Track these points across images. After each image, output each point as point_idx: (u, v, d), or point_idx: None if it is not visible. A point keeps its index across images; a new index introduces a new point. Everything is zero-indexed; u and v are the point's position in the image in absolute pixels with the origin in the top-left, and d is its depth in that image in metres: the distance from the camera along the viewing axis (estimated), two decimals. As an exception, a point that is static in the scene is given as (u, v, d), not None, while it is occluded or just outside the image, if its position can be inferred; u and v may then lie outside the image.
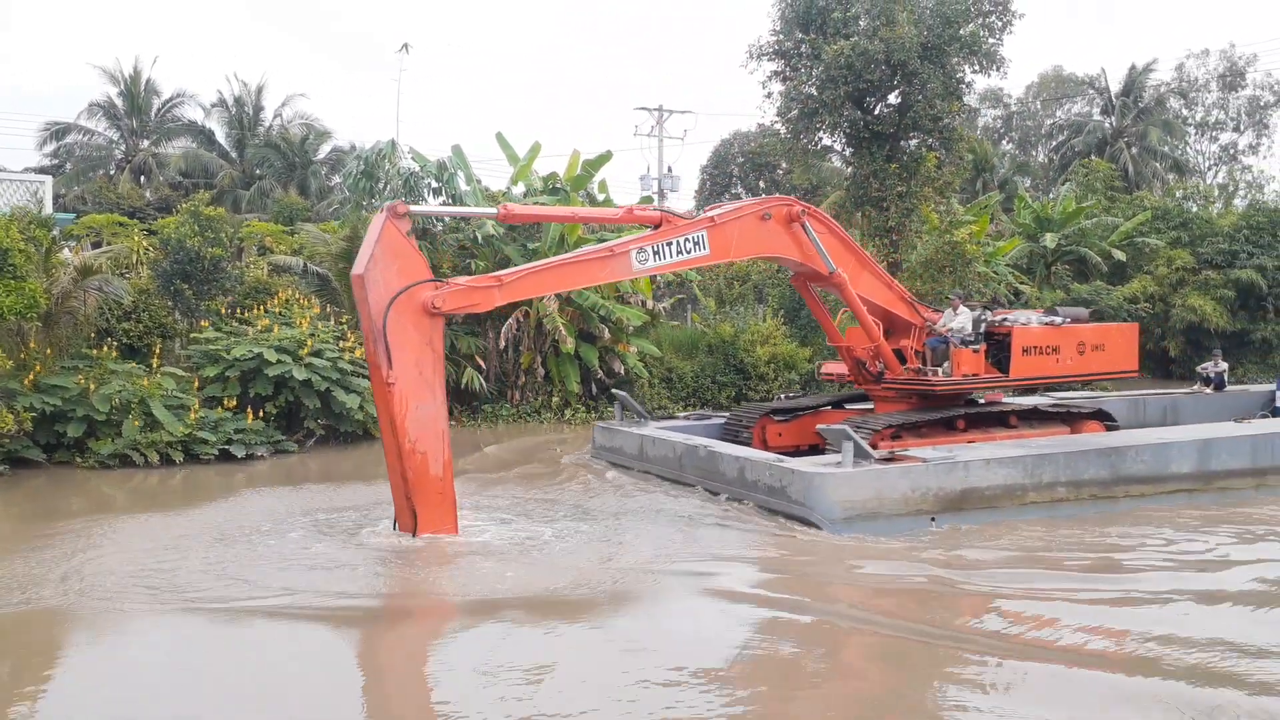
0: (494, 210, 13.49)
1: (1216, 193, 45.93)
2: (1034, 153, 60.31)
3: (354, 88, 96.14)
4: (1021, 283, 31.99)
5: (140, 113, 49.26)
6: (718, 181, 52.16)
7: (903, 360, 17.28)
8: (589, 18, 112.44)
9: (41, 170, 44.39)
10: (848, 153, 27.80)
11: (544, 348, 24.47)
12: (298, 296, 22.83)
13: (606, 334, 24.38)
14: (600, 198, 27.67)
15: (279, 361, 19.46)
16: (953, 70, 25.41)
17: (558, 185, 26.24)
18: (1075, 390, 23.01)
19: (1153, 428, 19.42)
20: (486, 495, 15.35)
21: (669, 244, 14.10)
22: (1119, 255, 33.12)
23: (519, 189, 27.00)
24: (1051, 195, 45.61)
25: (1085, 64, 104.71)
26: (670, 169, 44.82)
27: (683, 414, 21.12)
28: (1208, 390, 23.94)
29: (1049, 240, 32.95)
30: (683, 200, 63.54)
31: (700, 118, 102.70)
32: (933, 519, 13.57)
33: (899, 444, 15.76)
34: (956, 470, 13.92)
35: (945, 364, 16.85)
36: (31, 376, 17.70)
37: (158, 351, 19.97)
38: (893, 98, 25.92)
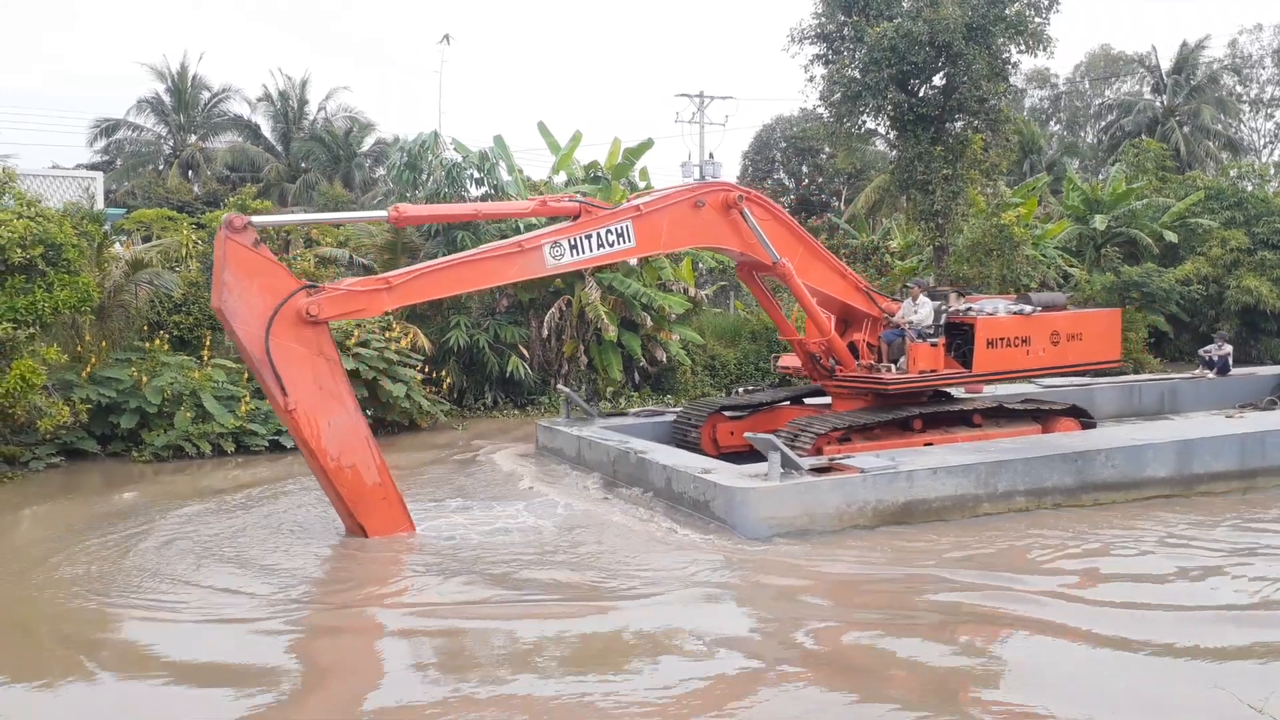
0: (383, 214, 12.36)
1: (1272, 171, 44.76)
2: (1082, 133, 59.21)
3: (393, 81, 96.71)
4: (1071, 266, 31.46)
5: (187, 109, 49.89)
6: (760, 167, 51.79)
7: (858, 355, 16.28)
8: (629, 3, 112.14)
9: (93, 166, 45.19)
10: (892, 136, 27.48)
11: (587, 336, 24.51)
12: (344, 288, 23.01)
13: (649, 322, 24.35)
14: (642, 185, 27.60)
15: (326, 352, 19.66)
16: (998, 51, 25.02)
17: (599, 174, 26.25)
18: (1068, 380, 21.43)
19: (1130, 424, 18.26)
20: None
21: (588, 236, 13.01)
22: (1171, 236, 32.43)
23: (560, 178, 27.05)
24: (1101, 176, 44.84)
25: (1135, 42, 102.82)
26: (712, 155, 44.33)
27: (633, 410, 19.84)
28: (1210, 374, 22.98)
29: (1099, 222, 32.34)
30: (724, 187, 63.24)
31: (742, 103, 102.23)
32: (872, 531, 12.39)
33: (846, 448, 14.69)
34: (898, 481, 12.71)
35: (902, 359, 15.76)
36: (88, 369, 18.06)
37: (208, 344, 20.28)
38: (937, 79, 25.57)
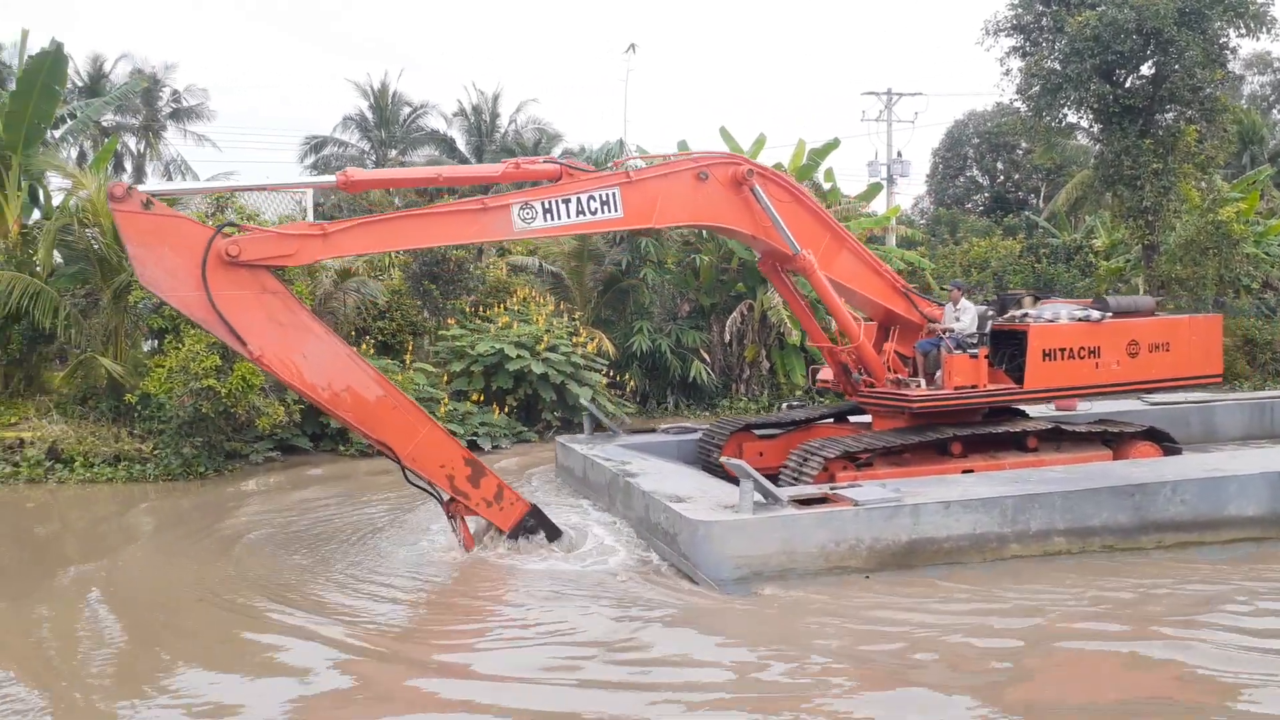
0: (330, 178, 11.28)
1: None
2: (1312, 120, 54.44)
3: (582, 89, 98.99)
4: (1299, 264, 28.99)
5: (388, 124, 52.72)
6: (951, 165, 50.21)
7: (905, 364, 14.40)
8: (813, 3, 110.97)
9: (305, 182, 48.33)
10: (1095, 129, 26.09)
11: (769, 340, 24.39)
12: (534, 294, 23.80)
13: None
14: (827, 187, 27.29)
15: (518, 356, 20.36)
16: (1214, 35, 23.39)
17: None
18: (1182, 395, 18.58)
19: (1219, 451, 15.15)
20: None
21: (565, 201, 11.56)
22: None
23: (745, 182, 26.98)
24: (1334, 166, 41.03)
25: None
26: (900, 154, 43.58)
27: (663, 427, 17.95)
28: None
29: (1331, 216, 29.69)
30: (914, 186, 61.59)
31: (931, 99, 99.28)
32: (867, 577, 10.46)
33: (866, 474, 12.88)
34: (900, 517, 10.67)
35: (940, 372, 13.74)
36: (301, 372, 19.33)
37: (409, 348, 21.35)
38: (1145, 69, 24.13)
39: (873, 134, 70.36)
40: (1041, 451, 13.92)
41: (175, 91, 43.37)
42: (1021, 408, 14.81)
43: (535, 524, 11.75)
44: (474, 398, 20.38)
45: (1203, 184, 25.92)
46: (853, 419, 15.89)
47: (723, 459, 11.64)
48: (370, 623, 9.46)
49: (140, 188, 10.15)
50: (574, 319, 23.22)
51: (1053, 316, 14.09)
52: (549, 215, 11.48)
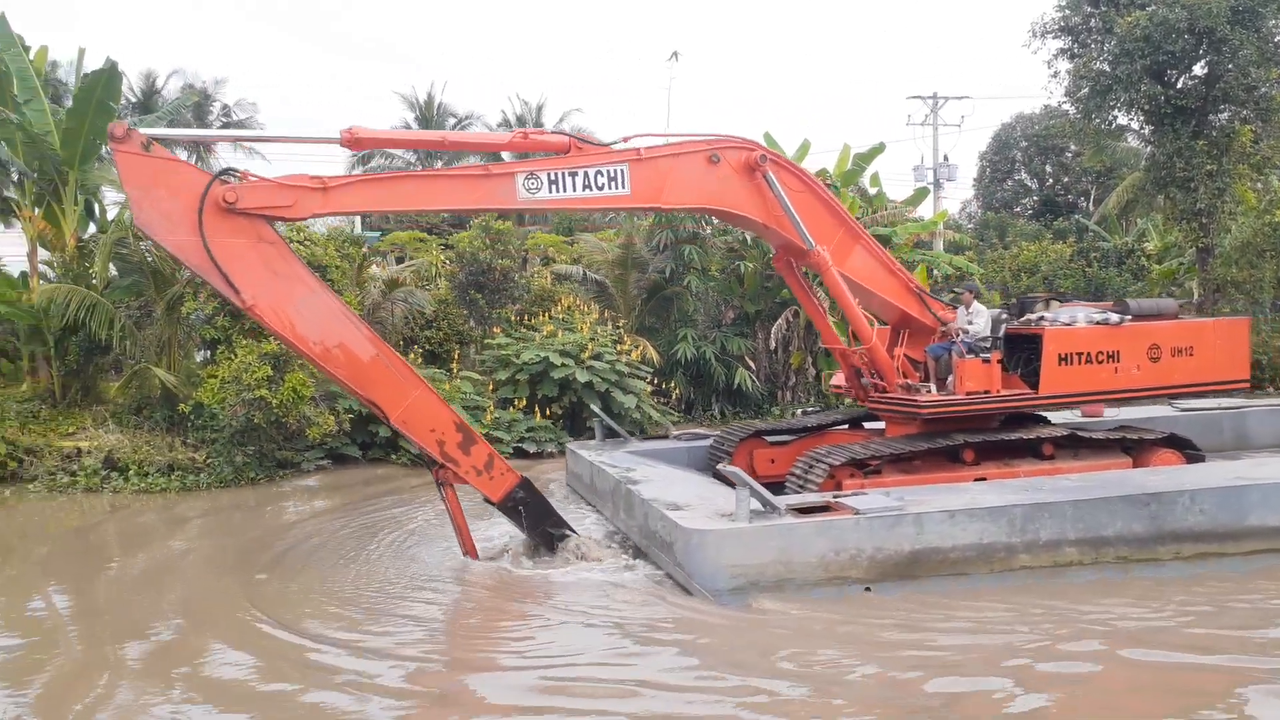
0: (335, 136, 11.02)
1: None
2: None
3: (624, 96, 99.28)
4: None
5: (432, 134, 53.26)
6: (999, 168, 49.64)
7: (916, 368, 13.98)
8: (856, 8, 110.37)
9: (353, 193, 48.97)
10: (1146, 131, 25.69)
11: (814, 347, 24.26)
12: (578, 303, 23.89)
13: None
14: (873, 192, 27.13)
15: (563, 365, 20.45)
16: (1270, 33, 22.96)
17: (827, 181, 25.93)
18: (1211, 403, 17.81)
19: (1243, 459, 14.48)
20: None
21: (572, 174, 11.31)
22: None
23: (789, 188, 26.90)
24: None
25: None
26: (946, 157, 43.27)
27: (675, 433, 17.42)
28: None
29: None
30: (961, 190, 61.01)
31: (978, 103, 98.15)
32: (868, 588, 10.16)
33: (874, 482, 12.55)
34: (903, 526, 10.33)
35: (951, 377, 13.34)
36: (349, 381, 19.59)
37: (456, 357, 21.54)
38: (1198, 69, 23.71)
39: (918, 138, 69.84)
40: (1058, 459, 13.54)
41: (225, 106, 44.22)
42: (1043, 413, 14.36)
43: (525, 497, 11.64)
44: (519, 405, 20.50)
45: (1259, 185, 25.41)
46: (867, 425, 15.44)
47: (720, 466, 11.36)
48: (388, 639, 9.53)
49: (142, 130, 10.10)
50: (618, 327, 23.28)
51: (1069, 320, 13.69)
52: (554, 187, 11.26)
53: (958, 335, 13.52)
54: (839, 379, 15.09)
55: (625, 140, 11.87)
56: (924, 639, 8.85)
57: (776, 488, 12.44)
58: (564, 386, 20.62)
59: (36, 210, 20.80)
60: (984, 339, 13.37)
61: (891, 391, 13.60)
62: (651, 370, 22.28)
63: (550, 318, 22.76)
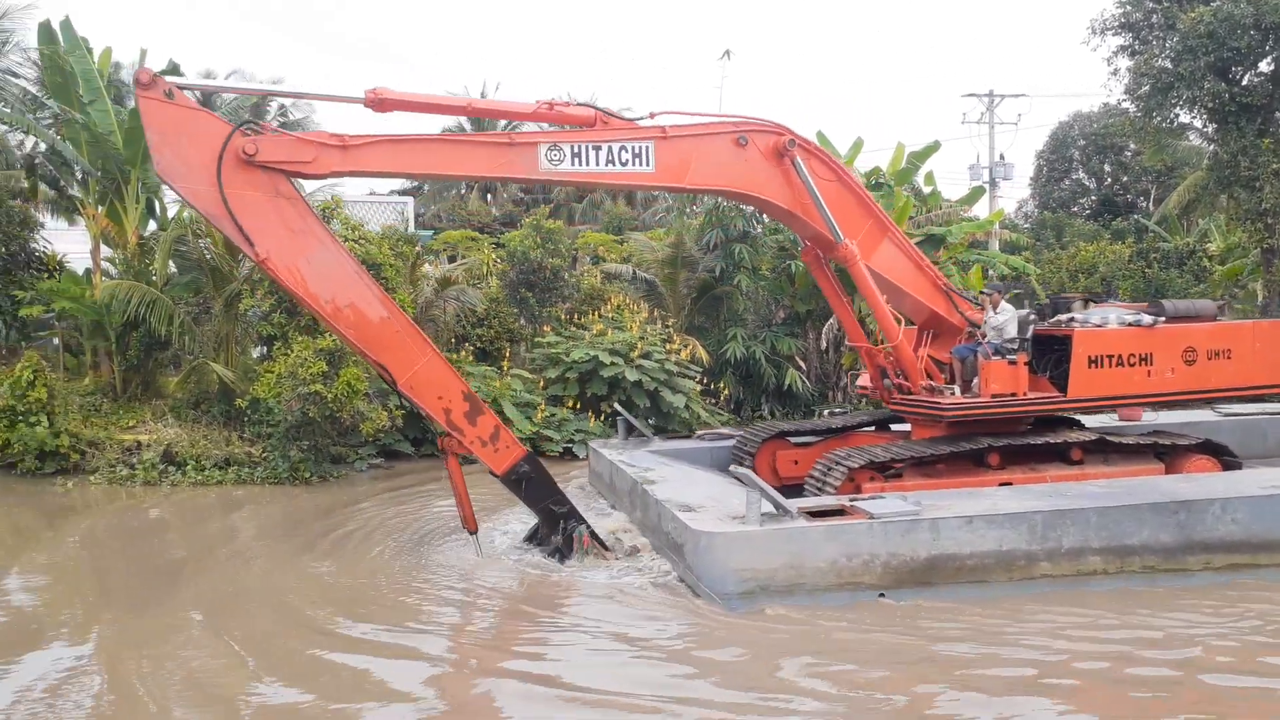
0: (359, 95, 10.89)
1: None
2: None
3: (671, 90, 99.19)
4: None
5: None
6: (1056, 167, 48.79)
7: (941, 370, 13.54)
8: (910, 5, 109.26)
9: (404, 193, 49.63)
10: (1210, 129, 25.05)
11: (867, 348, 24.05)
12: (627, 301, 23.91)
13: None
14: (927, 190, 26.83)
15: (613, 363, 20.48)
16: (1341, 27, 22.23)
17: (881, 179, 25.70)
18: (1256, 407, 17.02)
19: (1275, 467, 13.37)
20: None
21: (597, 148, 11.23)
22: None
23: (841, 187, 26.71)
24: None
25: None
26: (1002, 156, 42.66)
27: (699, 433, 17.40)
28: None
29: None
30: (1017, 189, 60.11)
31: (1035, 100, 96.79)
32: (881, 594, 9.96)
33: (895, 485, 12.31)
34: (918, 531, 10.10)
35: (977, 379, 12.99)
36: (402, 378, 19.81)
37: (507, 355, 21.67)
38: (1264, 65, 23.08)
39: (974, 136, 69.08)
40: (1088, 464, 13.18)
41: (283, 106, 44.85)
42: (1077, 417, 13.98)
43: (529, 472, 11.60)
44: (569, 404, 20.56)
45: (1328, 184, 24.68)
46: (895, 427, 15.11)
47: (732, 468, 11.34)
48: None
49: (167, 79, 10.15)
50: (667, 326, 23.26)
51: (1100, 321, 13.29)
52: (577, 160, 11.17)
53: (984, 336, 13.24)
54: (865, 380, 14.79)
55: (651, 117, 11.67)
56: (938, 650, 8.63)
57: (800, 490, 12.50)
58: (613, 385, 20.65)
59: (100, 208, 21.29)
60: (1010, 340, 13.05)
61: (916, 393, 13.33)
62: (701, 370, 22.22)
63: (600, 316, 22.80)
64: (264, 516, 15.28)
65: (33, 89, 22.72)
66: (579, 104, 11.79)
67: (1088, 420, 14.61)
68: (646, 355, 20.99)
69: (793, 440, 15.08)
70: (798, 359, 24.20)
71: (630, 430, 16.94)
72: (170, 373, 22.19)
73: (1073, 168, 49.52)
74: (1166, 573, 10.50)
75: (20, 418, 17.79)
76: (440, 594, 10.87)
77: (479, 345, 22.46)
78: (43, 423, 17.78)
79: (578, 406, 20.64)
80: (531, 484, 11.71)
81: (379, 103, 10.91)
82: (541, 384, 21.08)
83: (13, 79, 22.48)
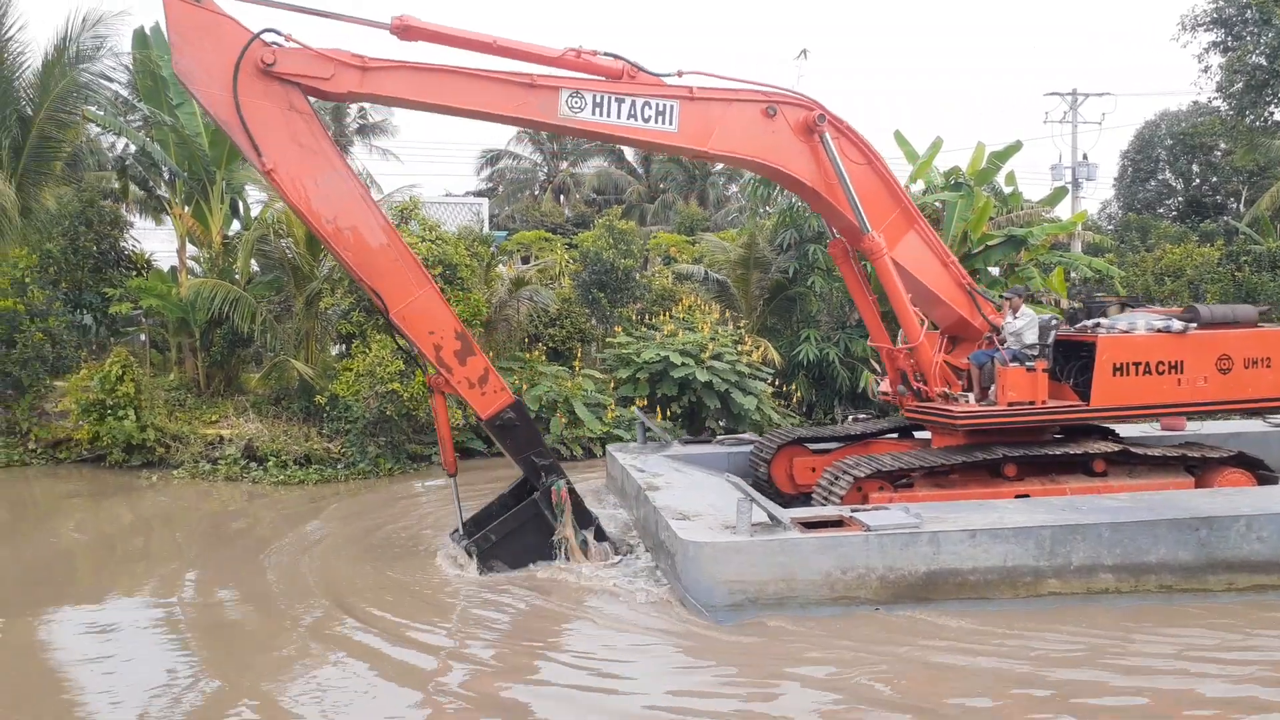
0: (385, 22, 10.72)
1: None
2: None
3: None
4: None
5: (559, 137, 54.13)
6: (1141, 167, 47.49)
7: (959, 376, 13.05)
8: (993, 3, 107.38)
9: (479, 193, 50.31)
10: (1307, 127, 24.20)
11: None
12: (699, 302, 23.84)
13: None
14: (1008, 191, 26.28)
15: (683, 364, 20.43)
16: None
17: (959, 180, 25.22)
18: None
19: None
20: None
21: (620, 100, 10.97)
22: None
23: (917, 186, 26.31)
24: None
25: None
26: (1085, 156, 41.71)
27: (719, 437, 16.86)
28: None
29: None
30: (1100, 190, 58.69)
31: (1120, 99, 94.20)
32: (877, 609, 9.61)
33: (904, 495, 11.91)
34: (917, 545, 9.70)
35: (994, 386, 12.49)
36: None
37: (578, 355, 21.76)
38: (1367, 59, 22.19)
39: (1056, 136, 67.58)
40: (1111, 477, 12.55)
41: (362, 108, 45.72)
42: (1109, 426, 13.35)
43: (514, 419, 11.38)
44: (639, 404, 20.57)
45: None
46: (919, 435, 14.59)
47: (726, 475, 11.01)
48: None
49: None
50: (739, 327, 23.13)
51: (1128, 327, 12.64)
52: (598, 110, 10.94)
53: (1002, 342, 12.75)
54: (887, 385, 14.28)
55: (680, 75, 11.40)
56: (941, 666, 8.34)
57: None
58: (683, 386, 20.58)
59: (186, 208, 21.89)
60: (1030, 346, 12.57)
61: (932, 399, 12.91)
62: (773, 372, 22.05)
63: (671, 317, 22.76)
64: (340, 511, 15.49)
65: (124, 92, 23.47)
66: (608, 53, 11.37)
67: (1124, 430, 13.96)
68: (718, 356, 20.89)
69: (811, 447, 14.75)
70: (873, 361, 23.86)
71: (647, 433, 16.77)
72: (252, 369, 22.73)
73: (1159, 168, 48.17)
74: (1184, 592, 10.02)
75: (109, 411, 18.35)
76: (451, 599, 10.72)
77: (551, 345, 22.60)
78: (130, 417, 18.31)
79: (647, 407, 20.61)
80: (516, 431, 11.47)
81: (404, 29, 10.79)
82: (612, 384, 21.13)
83: (106, 83, 23.23)
